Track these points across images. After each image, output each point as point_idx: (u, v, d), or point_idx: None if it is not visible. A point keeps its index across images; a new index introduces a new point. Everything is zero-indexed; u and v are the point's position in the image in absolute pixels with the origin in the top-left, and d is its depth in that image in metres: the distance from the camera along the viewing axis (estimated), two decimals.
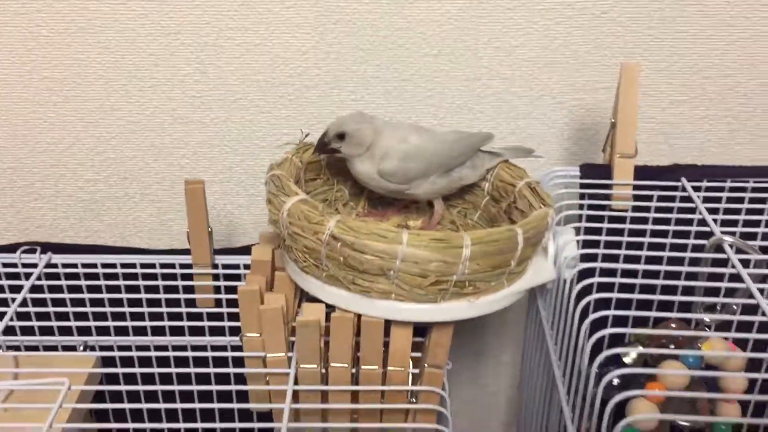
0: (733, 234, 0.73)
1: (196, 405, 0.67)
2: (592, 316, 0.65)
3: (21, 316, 0.81)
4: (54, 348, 0.86)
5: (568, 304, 0.72)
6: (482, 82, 0.90)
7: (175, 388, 0.70)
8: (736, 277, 0.69)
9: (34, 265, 0.83)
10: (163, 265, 0.85)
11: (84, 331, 0.85)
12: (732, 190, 0.82)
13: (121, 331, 0.84)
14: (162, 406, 0.68)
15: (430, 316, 0.68)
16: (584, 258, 0.75)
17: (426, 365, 0.72)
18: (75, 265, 0.84)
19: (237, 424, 0.67)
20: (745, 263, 0.70)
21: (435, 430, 0.73)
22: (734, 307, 0.72)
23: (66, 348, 0.86)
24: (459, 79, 0.89)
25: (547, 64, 0.89)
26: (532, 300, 0.85)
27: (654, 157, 0.92)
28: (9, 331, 0.82)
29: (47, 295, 0.84)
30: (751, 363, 0.75)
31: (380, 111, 0.90)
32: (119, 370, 0.75)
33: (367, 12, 0.86)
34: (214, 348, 0.85)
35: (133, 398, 0.83)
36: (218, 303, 0.85)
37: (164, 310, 0.84)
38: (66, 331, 0.85)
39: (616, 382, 0.71)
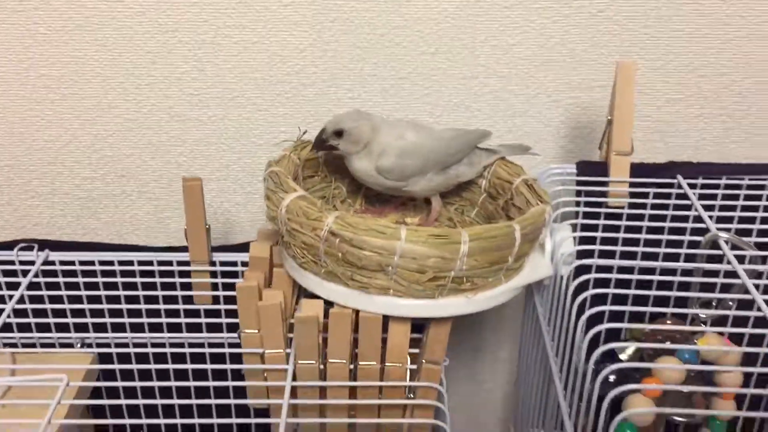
0: (728, 230, 0.73)
1: (193, 401, 0.67)
2: (588, 312, 0.65)
3: (18, 313, 0.81)
4: (51, 345, 0.86)
5: (565, 301, 0.72)
6: (479, 81, 0.90)
7: (172, 384, 0.70)
8: (731, 274, 0.69)
9: (32, 263, 0.83)
10: (160, 263, 0.85)
11: (81, 328, 0.85)
12: (727, 187, 0.83)
13: (119, 328, 0.83)
14: (159, 402, 0.68)
15: (428, 311, 0.68)
16: (581, 254, 0.75)
17: (424, 361, 0.72)
18: (72, 263, 0.84)
19: (234, 420, 0.68)
20: (741, 259, 0.70)
21: (433, 426, 0.74)
22: (730, 303, 0.73)
23: (63, 345, 0.86)
24: (456, 77, 0.90)
25: (543, 63, 0.89)
26: (529, 296, 0.86)
27: (650, 155, 0.92)
28: (6, 328, 0.82)
29: (44, 292, 0.84)
30: (746, 357, 0.76)
31: (377, 109, 0.90)
32: (116, 366, 0.74)
33: (365, 10, 0.86)
34: (212, 345, 0.85)
35: (131, 395, 0.83)
36: (215, 300, 0.85)
37: (162, 306, 0.84)
38: (63, 329, 0.85)
39: (612, 378, 0.71)
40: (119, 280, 0.84)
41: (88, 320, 0.83)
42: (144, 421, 0.66)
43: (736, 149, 0.94)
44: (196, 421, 0.67)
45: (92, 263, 0.85)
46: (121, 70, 0.88)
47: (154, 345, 0.83)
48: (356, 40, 0.87)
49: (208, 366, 0.73)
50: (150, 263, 0.85)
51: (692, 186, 0.82)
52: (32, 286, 0.82)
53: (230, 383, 0.71)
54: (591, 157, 0.91)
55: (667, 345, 0.73)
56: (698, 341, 0.73)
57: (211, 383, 0.70)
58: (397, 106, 0.91)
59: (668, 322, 0.77)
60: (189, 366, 0.73)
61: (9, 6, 0.85)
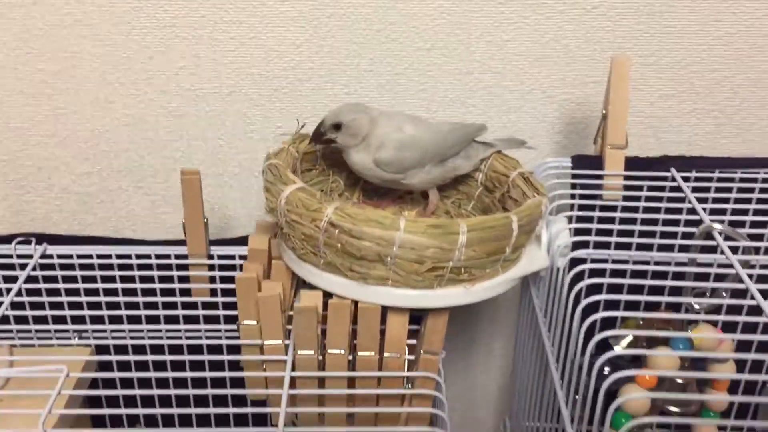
0: (721, 222, 0.74)
1: (190, 391, 0.67)
2: (584, 301, 0.66)
3: (16, 306, 0.81)
4: (49, 338, 0.86)
5: (561, 291, 0.73)
6: (474, 76, 0.91)
7: (169, 375, 0.70)
8: (724, 265, 0.70)
9: (29, 256, 0.83)
10: (158, 256, 0.85)
11: (79, 321, 0.85)
12: (720, 180, 0.84)
13: (116, 321, 0.84)
14: (156, 392, 0.68)
15: (427, 302, 0.69)
16: (576, 246, 0.76)
17: (422, 351, 0.72)
18: (70, 256, 0.85)
19: (231, 409, 0.68)
20: (734, 250, 0.71)
21: (431, 415, 0.74)
22: (723, 293, 0.74)
23: (61, 338, 0.86)
24: (451, 72, 0.90)
25: (537, 59, 0.90)
26: (525, 289, 0.86)
27: (643, 150, 0.93)
28: (4, 321, 0.82)
29: (42, 285, 0.84)
30: (740, 346, 0.77)
31: (373, 104, 0.90)
32: (113, 357, 0.75)
33: (361, 6, 0.87)
34: (209, 337, 0.85)
35: (128, 386, 0.83)
36: (213, 293, 0.85)
37: (159, 299, 0.84)
38: (61, 321, 0.85)
39: (607, 370, 0.72)
40: (117, 273, 0.84)
41: (85, 312, 0.83)
42: (140, 410, 0.66)
43: (728, 144, 0.95)
44: (192, 411, 0.67)
45: (90, 257, 0.85)
46: (118, 65, 0.88)
47: (151, 337, 0.83)
48: (352, 35, 0.88)
49: (206, 357, 0.73)
50: (148, 257, 0.85)
51: (686, 179, 0.83)
52: (30, 279, 0.82)
53: (227, 374, 0.71)
54: (585, 153, 0.92)
55: (661, 332, 0.74)
56: (692, 332, 0.74)
57: (208, 374, 0.71)
58: (393, 101, 0.91)
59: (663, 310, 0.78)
60: (186, 357, 0.73)
61: (7, 1, 0.85)
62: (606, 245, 0.77)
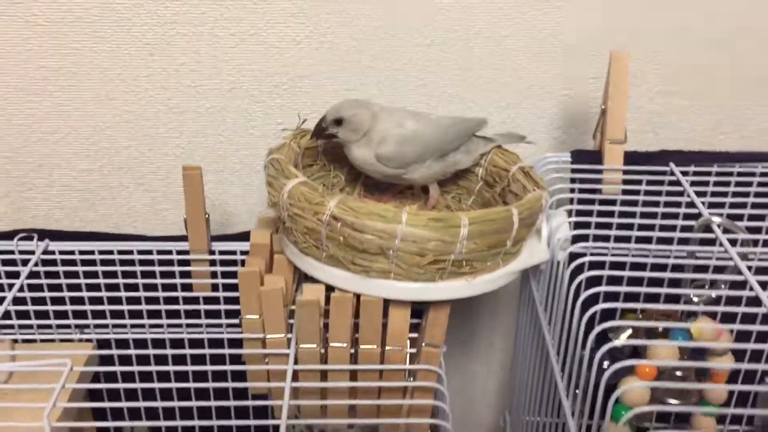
0: (720, 215, 0.75)
1: (191, 384, 0.67)
2: (585, 294, 0.67)
3: (18, 302, 0.82)
4: (51, 334, 0.86)
5: (561, 284, 0.73)
6: (473, 72, 0.91)
7: (171, 368, 0.70)
8: (723, 258, 0.71)
9: (32, 252, 0.83)
10: (160, 252, 0.85)
11: (81, 317, 0.85)
12: (718, 174, 0.85)
13: (118, 317, 0.84)
14: (157, 385, 0.68)
15: (428, 294, 0.69)
16: (576, 239, 0.77)
17: (423, 344, 0.73)
18: (72, 252, 0.85)
19: (232, 402, 0.68)
20: (733, 242, 0.72)
21: (433, 407, 0.75)
22: (722, 285, 0.74)
23: (63, 334, 0.87)
24: (451, 68, 0.91)
25: (536, 54, 0.91)
26: (525, 282, 0.87)
27: (642, 145, 0.94)
28: (6, 317, 0.82)
29: (44, 281, 0.84)
30: (739, 338, 0.77)
31: (373, 100, 0.91)
32: (115, 351, 0.75)
33: (361, 2, 0.87)
34: (211, 331, 0.85)
35: (129, 381, 0.83)
36: (215, 288, 0.86)
37: (161, 294, 0.84)
38: (63, 317, 0.85)
39: (606, 364, 0.73)
40: (118, 269, 0.85)
41: (87, 307, 0.83)
42: (141, 404, 0.66)
43: (725, 140, 0.96)
44: (193, 404, 0.67)
45: (92, 253, 0.85)
46: (119, 61, 0.89)
47: (153, 332, 0.84)
48: (352, 31, 0.88)
49: (206, 351, 0.74)
50: (149, 252, 0.85)
51: (684, 173, 0.83)
52: (32, 275, 0.82)
53: (228, 367, 0.71)
54: (584, 147, 0.92)
55: (661, 323, 0.74)
56: (691, 325, 0.75)
57: (209, 367, 0.71)
58: (393, 97, 0.92)
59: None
60: (187, 351, 0.73)
61: None
62: (605, 238, 0.77)
